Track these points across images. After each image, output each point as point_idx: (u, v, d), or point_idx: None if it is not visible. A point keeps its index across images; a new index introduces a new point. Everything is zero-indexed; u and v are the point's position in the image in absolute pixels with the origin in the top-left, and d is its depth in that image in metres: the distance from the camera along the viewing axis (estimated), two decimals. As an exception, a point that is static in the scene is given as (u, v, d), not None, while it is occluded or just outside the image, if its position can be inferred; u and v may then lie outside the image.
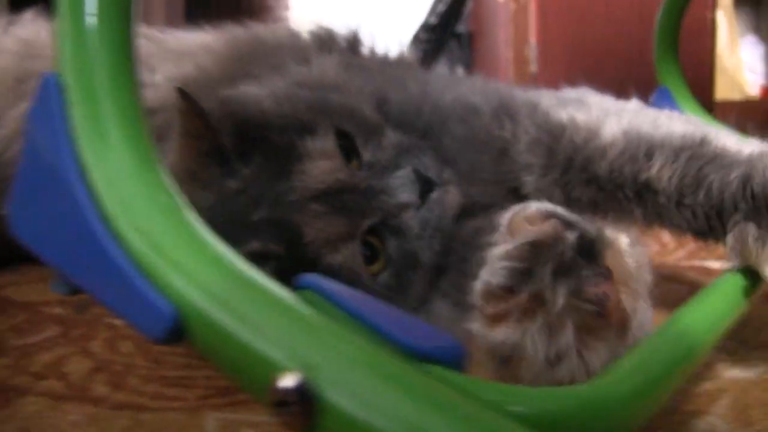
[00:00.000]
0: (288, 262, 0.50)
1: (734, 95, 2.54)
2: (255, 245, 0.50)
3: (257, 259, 0.48)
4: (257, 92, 0.58)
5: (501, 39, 2.53)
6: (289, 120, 0.55)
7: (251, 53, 0.74)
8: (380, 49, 0.80)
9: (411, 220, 0.54)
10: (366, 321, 0.28)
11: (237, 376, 0.28)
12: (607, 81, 2.25)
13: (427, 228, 0.54)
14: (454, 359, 0.28)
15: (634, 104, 0.65)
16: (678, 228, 0.52)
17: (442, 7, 2.85)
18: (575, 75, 2.26)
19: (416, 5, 2.92)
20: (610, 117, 0.57)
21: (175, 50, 0.81)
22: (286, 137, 0.53)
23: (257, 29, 0.81)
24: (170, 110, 0.58)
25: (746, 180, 0.46)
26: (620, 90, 2.27)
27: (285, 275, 0.49)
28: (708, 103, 2.06)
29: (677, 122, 0.56)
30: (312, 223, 0.51)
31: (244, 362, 0.27)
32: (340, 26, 0.83)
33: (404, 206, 0.53)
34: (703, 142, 0.51)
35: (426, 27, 2.88)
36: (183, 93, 0.51)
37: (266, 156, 0.53)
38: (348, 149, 0.55)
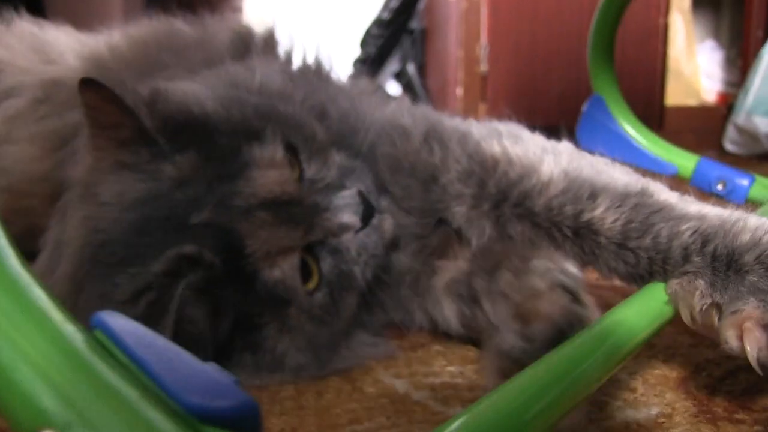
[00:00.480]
0: (219, 273, 0.48)
1: (689, 101, 2.48)
2: (189, 249, 0.47)
3: (185, 264, 0.47)
4: (198, 91, 0.55)
5: (452, 37, 2.44)
6: (237, 125, 0.53)
7: (161, 50, 0.70)
8: (298, 53, 0.75)
9: (350, 242, 0.54)
10: (147, 371, 0.26)
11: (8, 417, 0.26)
12: (557, 81, 2.19)
13: (363, 253, 0.54)
14: (244, 422, 0.26)
15: (566, 146, 0.63)
16: (611, 270, 0.52)
17: (395, 3, 2.75)
18: (525, 76, 2.20)
19: (369, 0, 2.81)
20: (548, 155, 0.57)
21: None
22: (232, 141, 0.52)
23: (176, 24, 0.76)
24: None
25: (707, 238, 0.46)
26: (571, 91, 2.21)
27: (210, 288, 0.47)
28: (657, 110, 1.99)
29: (617, 170, 0.57)
30: (257, 233, 0.49)
31: (15, 404, 0.25)
32: (281, 21, 0.78)
33: (346, 227, 0.53)
34: (644, 192, 0.52)
35: (378, 22, 2.78)
36: (88, 82, 0.48)
37: (207, 156, 0.51)
38: (291, 162, 0.54)
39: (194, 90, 0.56)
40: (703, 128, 2.35)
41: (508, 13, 2.25)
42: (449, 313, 0.59)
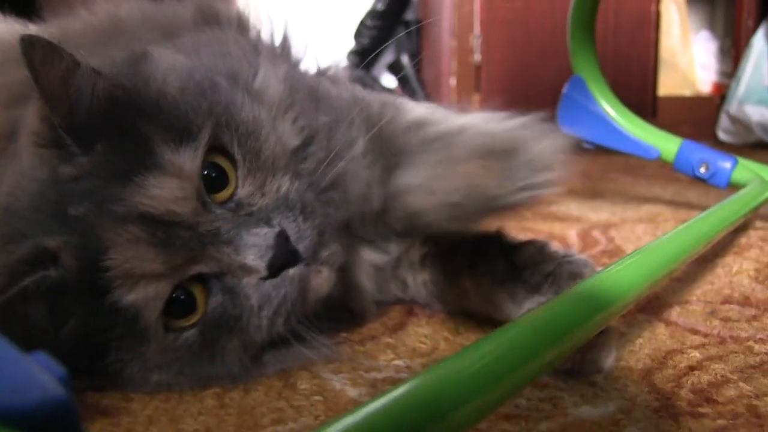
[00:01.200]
0: (72, 279, 0.43)
1: (684, 92, 2.47)
2: (50, 243, 0.43)
3: (43, 258, 0.42)
4: (178, 62, 0.50)
5: (445, 28, 2.43)
6: (175, 115, 0.46)
7: (116, 27, 0.62)
8: (265, 35, 0.68)
9: (250, 288, 0.46)
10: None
11: None
12: (551, 70, 2.18)
13: (266, 306, 0.47)
14: (49, 423, 0.21)
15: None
16: None
17: (389, -7, 2.73)
18: (519, 65, 2.18)
19: (364, -10, 2.80)
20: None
21: None
22: (152, 135, 0.45)
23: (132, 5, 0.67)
24: None
25: None
26: (565, 80, 2.20)
27: (57, 290, 0.43)
28: (650, 98, 1.99)
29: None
30: (122, 247, 0.43)
31: None
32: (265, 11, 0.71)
33: (247, 270, 0.46)
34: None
35: (373, 13, 2.76)
36: (34, 40, 0.42)
37: (121, 149, 0.45)
38: (223, 174, 0.48)
39: (175, 62, 0.50)
40: (698, 119, 2.34)
41: (501, 3, 2.24)
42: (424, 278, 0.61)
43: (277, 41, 0.67)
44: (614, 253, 0.87)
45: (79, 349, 0.44)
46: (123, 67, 0.48)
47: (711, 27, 2.66)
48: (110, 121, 0.45)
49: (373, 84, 2.72)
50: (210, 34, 0.59)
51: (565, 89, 1.04)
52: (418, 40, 2.80)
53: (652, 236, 0.95)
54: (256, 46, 0.62)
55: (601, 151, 1.16)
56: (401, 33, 2.82)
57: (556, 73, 2.18)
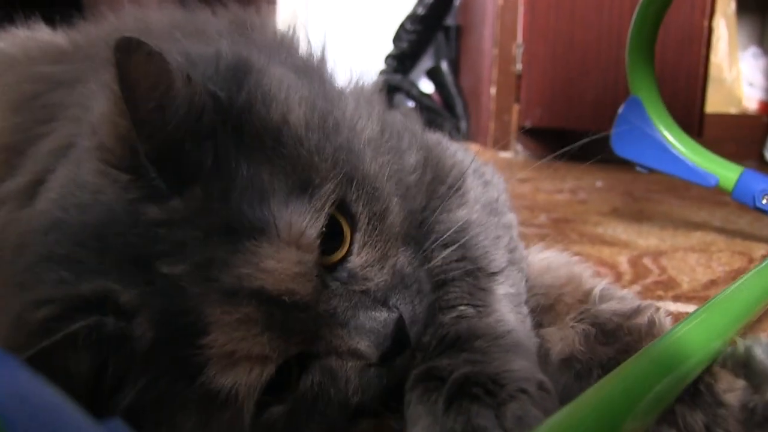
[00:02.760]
0: (143, 345, 0.35)
1: (730, 109, 2.41)
2: (126, 297, 0.35)
3: (103, 304, 0.35)
4: (297, 84, 0.42)
5: (487, 35, 2.40)
6: (296, 157, 0.38)
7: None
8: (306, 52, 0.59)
9: (354, 372, 0.41)
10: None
11: None
12: (593, 85, 2.14)
13: (363, 392, 0.41)
14: None
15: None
16: None
17: (430, -2, 2.72)
18: (561, 77, 2.14)
19: (404, -6, 2.78)
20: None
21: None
22: (267, 180, 0.37)
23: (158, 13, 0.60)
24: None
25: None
26: (608, 95, 2.14)
27: (116, 351, 0.35)
28: (697, 116, 1.93)
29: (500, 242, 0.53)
30: (228, 327, 0.36)
31: None
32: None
33: (357, 355, 0.40)
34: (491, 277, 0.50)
35: (413, 18, 2.75)
36: (134, 44, 0.34)
37: (220, 194, 0.37)
38: (338, 233, 0.41)
39: (288, 82, 0.41)
40: (744, 137, 2.28)
41: (545, 12, 2.20)
42: None
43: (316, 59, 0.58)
44: (668, 285, 0.84)
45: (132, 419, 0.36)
46: (215, 76, 0.40)
47: (761, 42, 2.58)
48: (211, 153, 0.37)
49: (411, 88, 2.71)
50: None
51: (620, 110, 1.01)
52: (457, 47, 2.78)
53: (706, 267, 0.92)
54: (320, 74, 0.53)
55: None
56: (440, 38, 2.80)
57: (597, 89, 2.14)
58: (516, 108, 2.34)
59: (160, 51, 0.35)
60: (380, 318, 0.40)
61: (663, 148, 0.98)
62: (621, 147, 1.01)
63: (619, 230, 1.16)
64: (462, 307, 0.46)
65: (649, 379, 0.38)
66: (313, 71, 0.51)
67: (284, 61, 0.47)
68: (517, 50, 2.28)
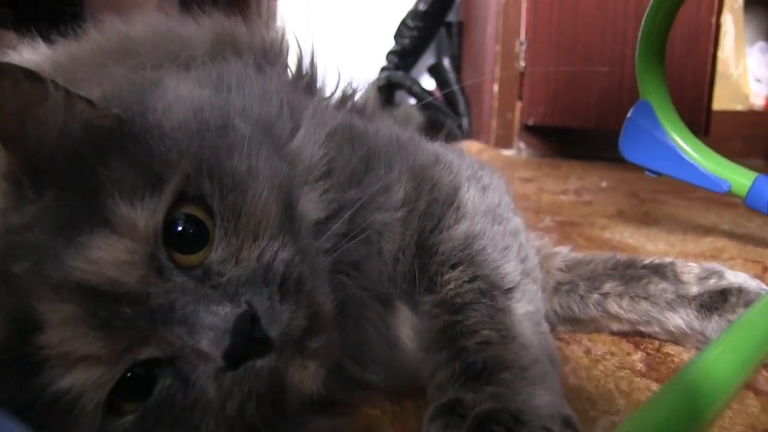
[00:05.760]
0: (2, 346, 0.36)
1: (736, 106, 2.38)
2: None
3: None
4: (193, 95, 0.44)
5: (489, 32, 2.37)
6: (154, 156, 0.39)
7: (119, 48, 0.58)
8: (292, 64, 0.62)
9: (208, 380, 0.37)
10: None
11: None
12: (597, 83, 2.10)
13: (227, 403, 0.37)
14: None
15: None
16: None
17: (432, -7, 2.68)
18: (564, 75, 2.11)
19: (405, -10, 2.74)
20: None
21: None
22: (114, 182, 0.38)
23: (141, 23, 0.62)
24: None
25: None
26: (612, 93, 2.10)
27: None
28: (704, 114, 1.90)
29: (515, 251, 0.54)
30: (57, 326, 0.35)
31: None
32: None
33: (202, 357, 0.37)
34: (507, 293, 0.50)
35: (415, 14, 2.71)
36: (2, 67, 0.37)
37: (69, 196, 0.38)
38: (203, 232, 0.39)
39: (186, 94, 0.44)
40: (751, 134, 2.25)
41: (548, 9, 2.17)
42: None
43: (304, 70, 0.61)
44: (680, 296, 0.81)
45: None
46: (128, 96, 0.43)
47: None
48: (78, 162, 0.38)
49: (412, 86, 2.68)
50: (239, 68, 0.52)
51: (630, 114, 0.98)
52: (459, 43, 2.74)
53: (718, 276, 0.89)
54: (291, 85, 0.55)
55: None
56: (442, 35, 2.77)
57: (601, 86, 2.11)
58: (519, 105, 2.31)
59: (31, 71, 0.38)
60: (221, 312, 0.36)
61: (674, 153, 0.95)
62: (630, 151, 0.98)
63: (626, 234, 1.14)
64: (485, 332, 0.44)
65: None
66: (290, 93, 0.52)
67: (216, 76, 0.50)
68: (520, 47, 2.25)
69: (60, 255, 0.36)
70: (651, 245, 1.05)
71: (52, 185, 0.38)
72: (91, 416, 0.36)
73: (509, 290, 0.49)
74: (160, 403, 0.37)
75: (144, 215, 0.37)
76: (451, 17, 2.76)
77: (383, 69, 2.73)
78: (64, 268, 0.36)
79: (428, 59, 2.80)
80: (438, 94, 2.77)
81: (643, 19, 0.95)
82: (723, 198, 1.35)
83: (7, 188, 0.39)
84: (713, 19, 1.84)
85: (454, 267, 0.48)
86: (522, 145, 2.37)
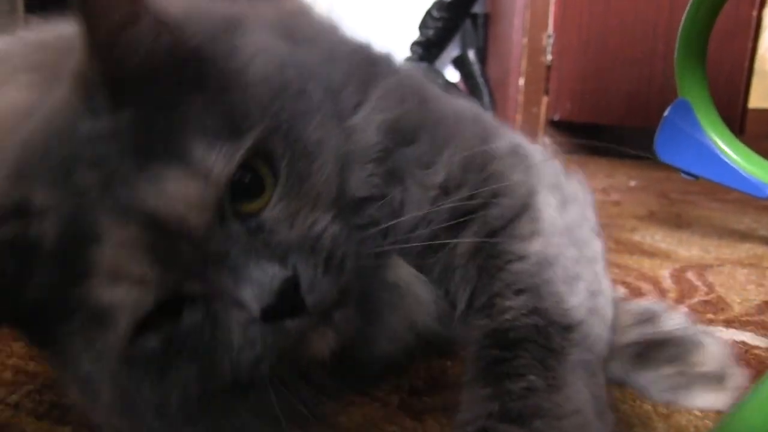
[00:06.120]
0: (47, 246, 0.37)
1: (773, 104, 2.29)
2: (38, 198, 0.37)
3: (23, 213, 0.37)
4: (277, 49, 0.45)
5: (516, 24, 2.31)
6: (237, 103, 0.40)
7: None
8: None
9: (236, 325, 0.39)
10: None
11: None
12: (626, 78, 2.04)
13: (246, 350, 0.39)
14: None
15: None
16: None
17: (458, -16, 2.63)
18: (592, 70, 2.06)
19: (431, -20, 2.69)
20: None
21: None
22: (197, 118, 0.39)
23: None
24: None
25: None
26: (641, 90, 2.04)
27: (34, 252, 0.37)
28: (739, 112, 1.84)
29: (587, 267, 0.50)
30: (114, 246, 0.37)
31: None
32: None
33: (239, 306, 0.38)
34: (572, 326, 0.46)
35: (440, 4, 2.66)
36: None
37: (149, 118, 0.38)
38: (259, 185, 0.41)
39: (269, 44, 0.45)
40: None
41: (578, 2, 2.11)
42: None
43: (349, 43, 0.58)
44: (718, 307, 0.77)
45: (36, 318, 0.39)
46: (214, 30, 0.43)
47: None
48: (159, 89, 0.39)
49: (436, 77, 2.63)
50: (308, 19, 0.53)
51: (666, 113, 0.93)
52: (485, 35, 2.69)
53: (758, 286, 0.84)
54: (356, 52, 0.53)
55: (675, 168, 1.05)
56: (467, 26, 2.72)
57: (631, 82, 2.05)
58: (545, 100, 2.26)
59: None
60: (270, 271, 0.38)
61: (713, 156, 0.90)
62: (666, 153, 0.94)
63: (658, 238, 1.09)
64: (531, 377, 0.41)
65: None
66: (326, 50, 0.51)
67: (292, 35, 0.49)
68: (548, 40, 2.20)
69: (131, 178, 0.37)
70: (684, 250, 1.01)
71: (130, 105, 0.38)
72: (122, 333, 0.38)
73: (568, 329, 0.45)
74: (185, 336, 0.39)
75: (220, 161, 0.38)
76: (477, 8, 2.70)
77: (407, 60, 2.69)
78: (134, 193, 0.37)
79: (453, 51, 2.75)
80: (462, 86, 2.73)
81: (684, 15, 0.90)
82: (758, 201, 1.30)
83: (84, 92, 0.38)
84: (754, 13, 1.77)
85: (517, 294, 0.46)
86: (547, 140, 2.32)
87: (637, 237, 1.09)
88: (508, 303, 0.45)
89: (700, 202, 1.45)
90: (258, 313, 0.38)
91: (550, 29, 2.19)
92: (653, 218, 1.26)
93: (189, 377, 0.40)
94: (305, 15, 0.55)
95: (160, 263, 0.37)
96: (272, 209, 0.40)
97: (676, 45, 0.90)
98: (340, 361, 0.43)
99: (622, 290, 0.79)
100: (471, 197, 0.48)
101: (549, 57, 2.20)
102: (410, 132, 0.49)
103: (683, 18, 0.89)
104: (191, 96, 0.39)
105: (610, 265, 0.89)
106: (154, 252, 0.37)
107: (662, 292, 0.81)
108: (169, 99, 0.39)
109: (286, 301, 0.38)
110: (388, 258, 0.48)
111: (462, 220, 0.48)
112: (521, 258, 0.47)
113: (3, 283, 0.38)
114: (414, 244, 0.47)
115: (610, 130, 2.18)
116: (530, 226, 0.49)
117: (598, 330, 0.47)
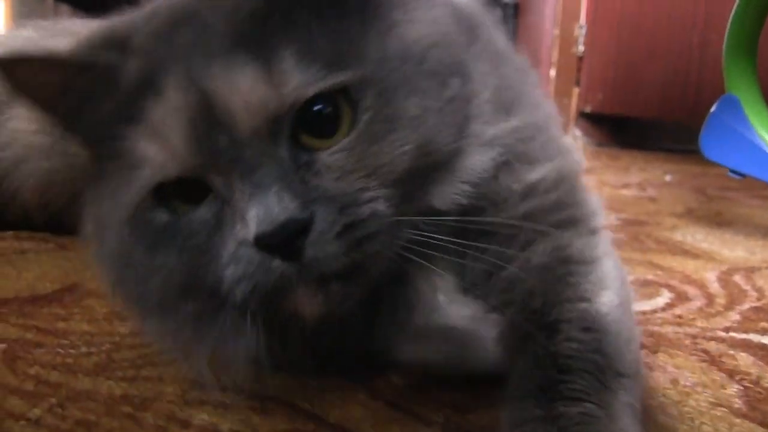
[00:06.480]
0: (124, 82, 0.40)
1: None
2: (139, 38, 0.41)
3: (123, 45, 0.41)
4: (435, 18, 0.44)
5: (547, 14, 2.28)
6: (337, 38, 0.40)
7: None
8: None
9: (231, 237, 0.39)
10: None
11: None
12: (660, 71, 1.99)
13: (234, 267, 0.39)
14: None
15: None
16: None
17: (487, -26, 2.59)
18: (625, 62, 2.01)
19: (459, -30, 2.66)
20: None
21: None
22: (288, 33, 0.39)
23: None
24: None
25: None
26: (676, 82, 1.98)
27: (109, 81, 0.40)
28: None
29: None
30: (167, 103, 0.39)
31: None
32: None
33: (241, 220, 0.38)
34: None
35: (468, -5, 2.63)
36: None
37: (242, 9, 0.40)
38: (333, 126, 0.39)
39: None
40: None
41: (612, -8, 2.07)
42: None
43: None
44: (770, 312, 0.75)
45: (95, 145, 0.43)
46: None
47: None
48: None
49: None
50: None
51: (713, 109, 0.90)
52: (515, 26, 2.65)
53: (809, 290, 0.82)
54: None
55: (711, 162, 1.02)
56: (496, 16, 2.68)
57: (666, 75, 2.00)
58: (576, 92, 2.22)
59: None
60: (285, 203, 0.37)
61: (762, 154, 0.87)
62: (712, 150, 0.91)
63: (699, 237, 1.06)
64: (589, 405, 0.40)
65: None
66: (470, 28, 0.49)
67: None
68: (579, 31, 2.16)
69: (214, 55, 0.38)
70: (728, 251, 0.98)
71: None
72: (140, 190, 0.40)
73: (621, 375, 0.44)
74: (190, 227, 0.40)
75: (301, 80, 0.37)
76: (507, -2, 2.67)
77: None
78: (207, 70, 0.38)
79: (481, 42, 2.72)
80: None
81: (734, 8, 0.87)
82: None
83: None
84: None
85: (585, 331, 0.44)
86: (578, 132, 2.28)
87: (677, 236, 1.07)
88: (575, 334, 0.44)
89: (740, 199, 1.42)
90: (252, 236, 0.37)
91: (582, 20, 2.15)
92: (692, 216, 1.23)
93: (175, 267, 0.41)
94: (486, 23, 0.52)
95: (194, 141, 0.38)
96: (332, 155, 0.39)
97: (725, 39, 0.88)
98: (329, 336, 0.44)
99: (667, 295, 0.77)
100: (553, 208, 0.48)
101: (581, 48, 2.16)
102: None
103: (732, 11, 0.86)
104: (323, 9, 0.39)
105: (654, 266, 0.88)
106: (194, 129, 0.38)
107: (709, 298, 0.78)
108: (275, 3, 0.39)
109: (284, 239, 0.37)
110: (428, 269, 0.46)
111: (529, 227, 0.47)
112: (590, 300, 0.46)
113: (84, 100, 0.41)
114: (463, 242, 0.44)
115: (641, 122, 2.14)
116: (600, 274, 0.48)
117: (640, 391, 0.45)
